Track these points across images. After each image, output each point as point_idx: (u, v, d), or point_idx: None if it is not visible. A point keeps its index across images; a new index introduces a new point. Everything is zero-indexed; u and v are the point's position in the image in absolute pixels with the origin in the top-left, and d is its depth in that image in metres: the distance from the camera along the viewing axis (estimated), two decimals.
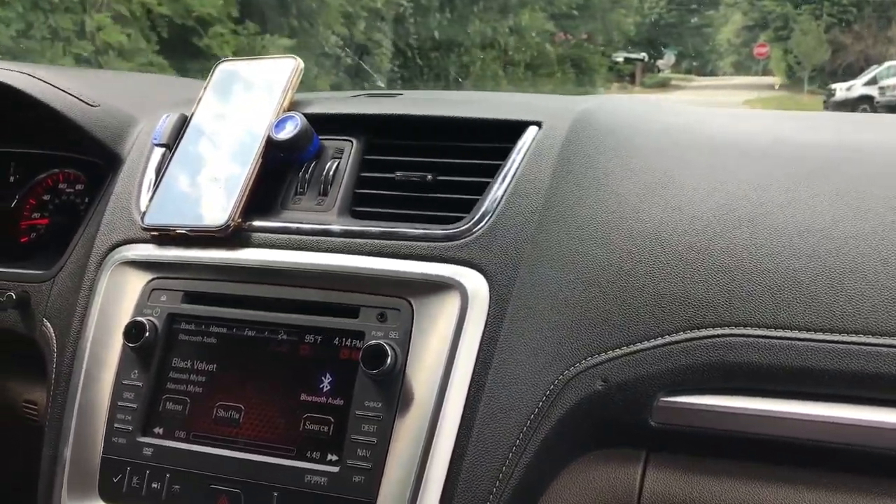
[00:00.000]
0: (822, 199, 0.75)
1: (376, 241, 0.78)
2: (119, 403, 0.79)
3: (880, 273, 0.69)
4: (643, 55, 35.59)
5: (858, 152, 0.81)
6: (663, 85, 32.06)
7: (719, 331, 0.71)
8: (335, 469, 0.71)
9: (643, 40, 37.35)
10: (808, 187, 0.76)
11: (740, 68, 41.27)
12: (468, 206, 0.78)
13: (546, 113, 0.83)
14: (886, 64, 18.57)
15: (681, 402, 0.72)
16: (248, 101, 0.88)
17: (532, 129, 0.81)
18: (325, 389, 0.74)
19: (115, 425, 0.79)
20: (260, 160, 0.83)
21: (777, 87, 28.54)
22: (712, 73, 43.12)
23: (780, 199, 0.76)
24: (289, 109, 0.87)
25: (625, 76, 31.11)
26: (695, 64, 44.42)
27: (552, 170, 0.78)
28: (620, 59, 32.76)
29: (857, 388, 0.68)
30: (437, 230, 0.77)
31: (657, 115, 0.92)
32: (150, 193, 0.88)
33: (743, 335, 0.70)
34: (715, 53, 44.37)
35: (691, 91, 30.97)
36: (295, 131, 0.83)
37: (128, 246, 0.85)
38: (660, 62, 39.96)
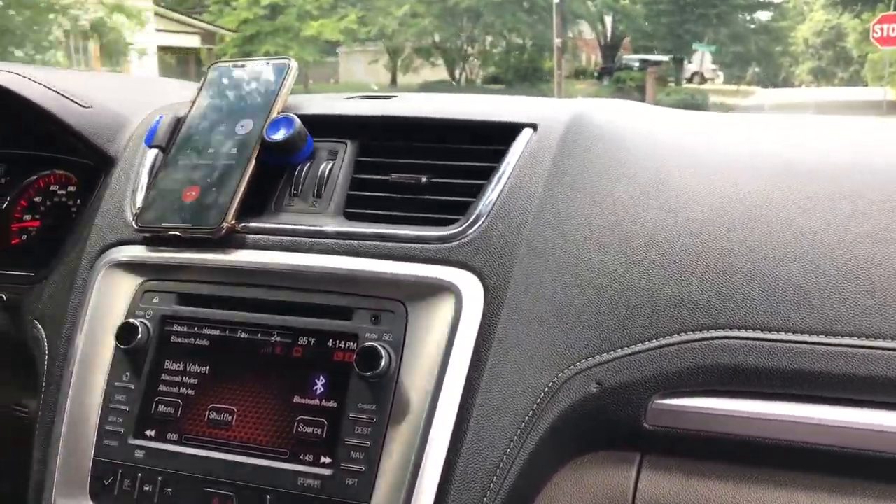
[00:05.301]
0: (817, 202, 0.75)
1: (370, 242, 0.77)
2: (111, 406, 0.79)
3: (875, 276, 0.69)
4: (667, 58, 24.19)
5: (856, 156, 0.81)
6: (696, 104, 17.05)
7: (713, 333, 0.71)
8: (328, 472, 0.71)
9: (665, 34, 23.60)
10: (803, 190, 0.76)
11: (821, 76, 30.40)
12: (462, 209, 0.78)
13: (541, 115, 0.83)
14: None
15: (675, 405, 0.72)
16: (242, 102, 0.88)
17: (527, 132, 0.81)
18: (318, 392, 0.73)
19: (107, 428, 0.78)
20: (254, 162, 0.83)
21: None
22: (787, 83, 31.10)
23: (775, 202, 0.76)
24: (283, 111, 0.86)
25: (632, 90, 19.23)
26: (756, 70, 31.02)
27: (547, 172, 0.78)
28: (635, 65, 22.35)
29: (851, 391, 0.68)
30: (431, 232, 0.77)
31: (654, 118, 0.92)
32: (143, 195, 0.87)
33: (737, 337, 0.70)
34: (789, 56, 31.68)
35: None
36: (289, 133, 0.83)
37: (120, 247, 0.85)
38: (689, 66, 26.48)
